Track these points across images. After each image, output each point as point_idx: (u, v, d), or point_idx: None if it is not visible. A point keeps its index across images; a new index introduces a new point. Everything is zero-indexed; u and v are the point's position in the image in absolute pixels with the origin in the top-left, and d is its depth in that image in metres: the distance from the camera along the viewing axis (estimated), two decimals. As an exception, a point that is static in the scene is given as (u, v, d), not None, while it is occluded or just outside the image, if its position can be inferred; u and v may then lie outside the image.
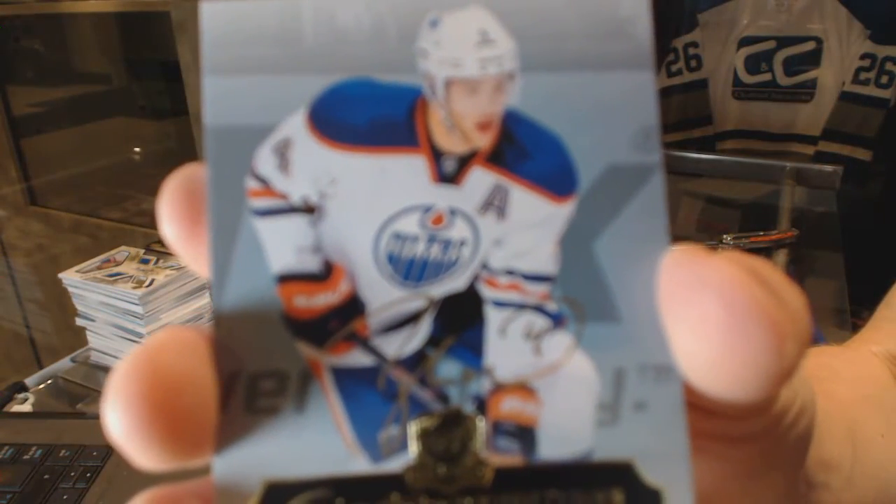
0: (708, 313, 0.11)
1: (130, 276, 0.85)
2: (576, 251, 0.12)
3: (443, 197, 0.12)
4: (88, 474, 0.63)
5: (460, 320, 0.12)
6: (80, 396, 0.86)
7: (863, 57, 1.36)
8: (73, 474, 0.63)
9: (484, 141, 0.12)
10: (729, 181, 1.31)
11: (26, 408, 0.81)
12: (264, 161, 0.12)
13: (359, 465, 0.12)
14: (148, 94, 1.77)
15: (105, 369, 0.88)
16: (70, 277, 0.86)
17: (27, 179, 1.83)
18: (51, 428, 0.70)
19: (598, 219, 0.12)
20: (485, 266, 0.12)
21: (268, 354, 0.12)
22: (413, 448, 0.12)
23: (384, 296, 0.12)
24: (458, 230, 0.12)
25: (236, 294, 0.12)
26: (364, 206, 0.12)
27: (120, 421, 0.11)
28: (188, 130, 1.49)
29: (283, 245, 0.12)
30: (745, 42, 1.45)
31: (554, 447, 0.12)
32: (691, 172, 1.35)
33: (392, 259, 0.12)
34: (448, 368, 0.12)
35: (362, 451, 0.12)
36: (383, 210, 0.12)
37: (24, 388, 0.84)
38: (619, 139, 0.12)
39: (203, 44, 0.12)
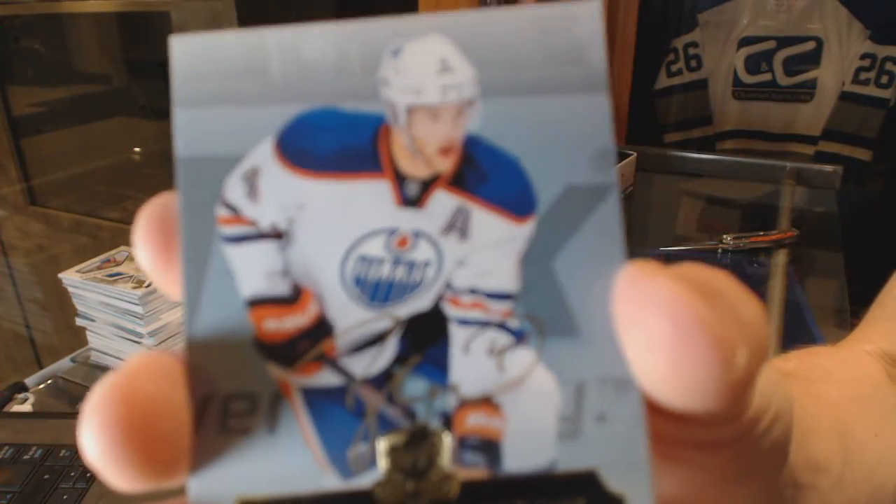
0: (655, 330, 0.11)
1: (130, 277, 0.85)
2: (536, 269, 0.13)
3: (407, 220, 0.13)
4: (88, 474, 0.63)
5: (426, 339, 0.13)
6: (80, 396, 0.86)
7: (863, 57, 1.36)
8: (73, 474, 0.63)
9: (446, 165, 0.13)
10: (729, 181, 1.31)
11: (26, 408, 0.81)
12: (233, 189, 0.13)
13: (329, 481, 0.12)
14: (148, 94, 1.77)
15: (105, 369, 0.88)
16: (70, 277, 0.86)
17: (27, 179, 1.83)
18: (51, 428, 0.70)
19: (556, 238, 0.13)
20: (448, 286, 0.13)
21: (240, 376, 0.12)
22: (382, 464, 0.12)
23: (352, 317, 0.13)
24: (422, 252, 0.13)
25: (208, 319, 0.12)
26: (331, 231, 0.13)
27: (95, 445, 0.11)
28: (188, 130, 1.49)
29: (252, 270, 0.13)
30: (745, 42, 1.45)
31: (518, 460, 0.12)
32: (691, 172, 1.35)
33: (359, 281, 0.13)
34: (414, 386, 0.13)
35: (333, 468, 0.12)
36: (349, 234, 0.13)
37: (24, 388, 0.84)
38: (576, 161, 0.13)
39: (173, 77, 0.13)
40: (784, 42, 1.42)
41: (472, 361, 0.13)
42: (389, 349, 0.13)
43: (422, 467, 0.12)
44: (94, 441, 0.11)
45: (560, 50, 0.13)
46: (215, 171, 0.13)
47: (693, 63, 1.51)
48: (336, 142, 0.13)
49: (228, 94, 0.13)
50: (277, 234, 0.13)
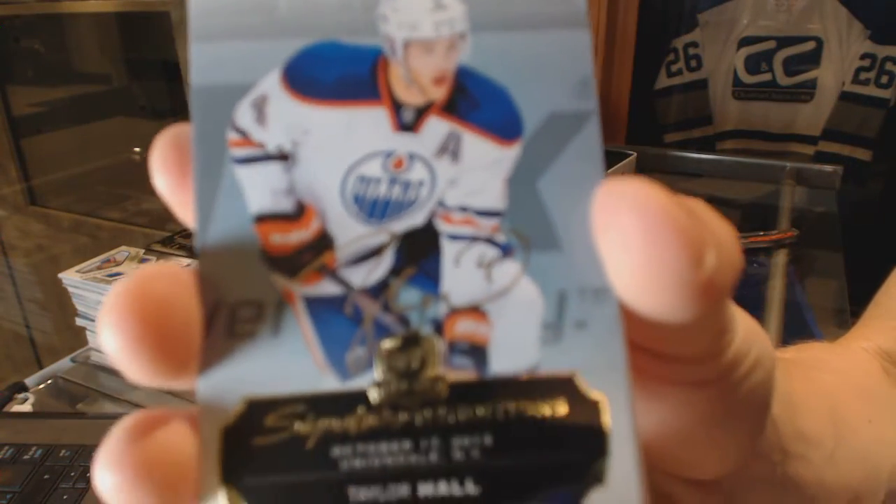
0: (627, 228, 0.12)
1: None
2: (522, 189, 0.14)
3: (402, 143, 0.14)
4: (89, 474, 0.63)
5: (419, 252, 0.14)
6: (80, 396, 0.85)
7: (863, 57, 1.36)
8: (73, 474, 0.63)
9: (439, 94, 0.14)
10: (729, 181, 1.31)
11: (26, 408, 0.81)
12: (243, 115, 0.14)
13: (329, 382, 0.13)
14: (148, 94, 1.77)
15: (105, 369, 0.88)
16: (70, 277, 0.86)
17: (27, 179, 1.83)
18: (51, 428, 0.70)
19: (541, 160, 0.14)
20: (441, 204, 0.14)
21: (246, 285, 0.13)
22: (377, 367, 0.13)
23: (351, 232, 0.14)
24: (417, 172, 0.14)
25: (218, 233, 0.13)
26: (332, 153, 0.14)
27: (114, 336, 0.12)
28: (188, 130, 1.49)
29: (260, 188, 0.14)
30: (745, 42, 1.45)
31: (503, 363, 0.13)
32: (691, 172, 1.35)
33: (357, 199, 0.14)
34: (408, 295, 0.14)
35: (332, 370, 0.13)
36: (349, 156, 0.14)
37: (24, 388, 0.84)
38: (559, 89, 0.14)
39: (190, 14, 0.14)
40: (784, 42, 1.42)
41: (461, 273, 0.14)
42: (385, 261, 0.14)
43: (414, 369, 0.13)
44: (113, 335, 0.12)
45: None
46: (227, 98, 0.14)
47: (693, 63, 1.51)
48: (338, 72, 0.14)
49: (239, 28, 0.14)
50: (283, 156, 0.14)
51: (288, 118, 0.14)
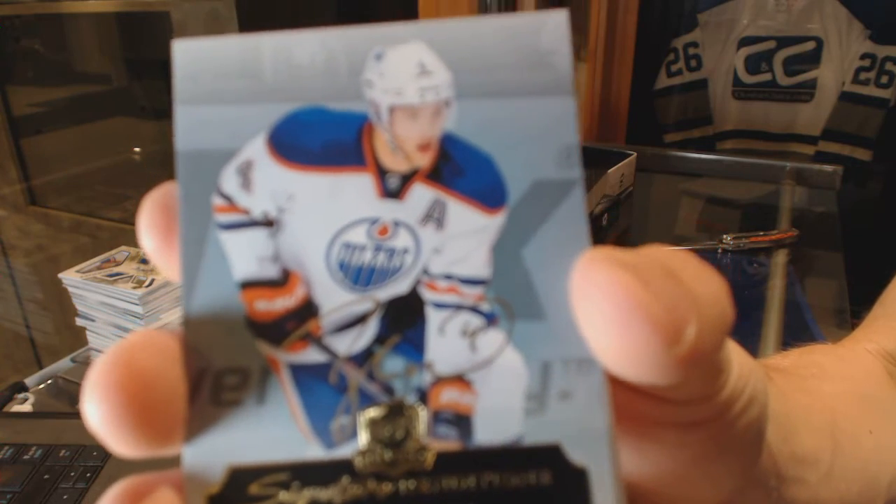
0: (599, 313, 0.13)
1: (130, 276, 0.85)
2: (506, 257, 0.14)
3: (387, 210, 0.14)
4: (88, 474, 0.63)
5: (404, 320, 0.14)
6: (80, 396, 0.85)
7: (863, 57, 1.36)
8: (73, 474, 0.63)
9: (424, 160, 0.14)
10: (729, 181, 1.31)
11: (26, 408, 0.81)
12: (228, 180, 0.14)
13: (313, 451, 0.13)
14: (148, 95, 1.77)
15: (105, 369, 0.88)
16: (70, 277, 0.86)
17: (27, 179, 1.83)
18: (51, 428, 0.70)
19: (525, 228, 0.14)
20: (426, 271, 0.14)
21: (231, 353, 0.13)
22: (362, 436, 0.13)
23: (336, 299, 0.14)
24: (402, 240, 0.14)
25: (203, 299, 0.14)
26: (317, 219, 0.14)
27: (97, 410, 0.12)
28: (188, 130, 1.48)
29: (245, 255, 0.14)
30: (744, 42, 1.45)
31: (488, 433, 0.13)
32: (691, 172, 1.35)
33: (343, 266, 0.14)
34: (393, 364, 0.14)
35: (316, 438, 0.13)
36: (335, 222, 0.14)
37: (24, 388, 0.84)
38: (544, 157, 0.14)
39: (175, 77, 0.14)
40: (784, 42, 1.42)
41: (446, 342, 0.14)
42: (370, 329, 0.14)
43: (399, 439, 0.13)
44: (97, 407, 0.12)
45: (529, 56, 0.14)
46: (212, 163, 0.14)
47: (693, 63, 1.51)
48: (323, 138, 0.14)
49: (225, 93, 0.14)
50: (268, 222, 0.14)
51: (273, 184, 0.14)
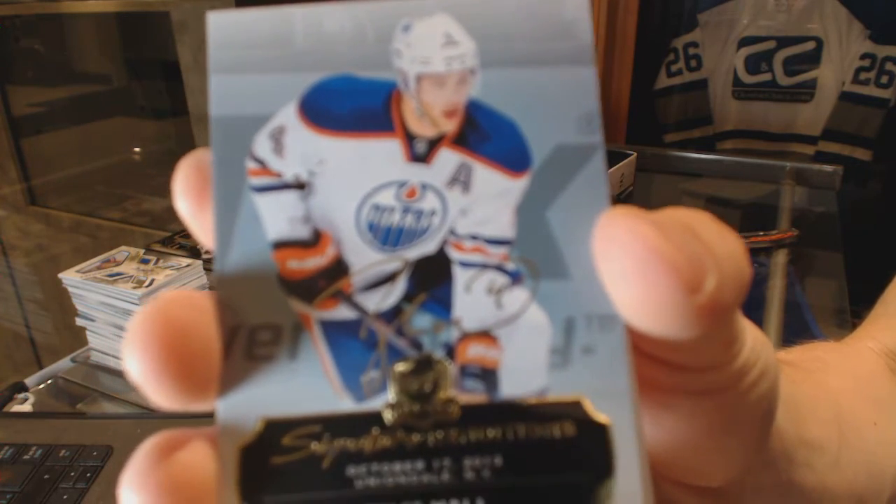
0: (619, 265, 0.13)
1: (130, 276, 0.85)
2: (530, 218, 0.14)
3: (415, 174, 0.15)
4: (88, 474, 0.63)
5: (431, 279, 0.14)
6: (80, 396, 0.85)
7: (863, 57, 1.36)
8: (73, 474, 0.63)
9: (450, 126, 0.15)
10: (729, 181, 1.31)
11: (26, 408, 0.81)
12: (261, 145, 0.14)
13: (344, 404, 0.14)
14: (148, 94, 1.77)
15: (105, 369, 0.88)
16: (70, 277, 0.86)
17: (27, 179, 1.83)
18: (51, 428, 0.70)
19: (548, 191, 0.14)
20: (452, 232, 0.15)
21: (264, 310, 0.14)
22: (391, 389, 0.14)
23: (365, 259, 0.14)
24: (429, 202, 0.15)
25: (237, 258, 0.14)
26: (347, 182, 0.14)
27: (137, 361, 0.12)
28: (188, 130, 1.49)
29: (277, 216, 0.14)
30: (744, 42, 1.45)
31: (513, 386, 0.14)
32: (691, 172, 1.35)
33: (372, 227, 0.14)
34: (421, 320, 0.14)
35: (347, 392, 0.14)
36: (364, 185, 0.14)
37: (24, 388, 0.84)
38: (566, 123, 0.14)
39: (209, 47, 0.15)
40: (784, 42, 1.42)
41: (472, 299, 0.14)
42: (399, 288, 0.14)
43: (427, 392, 0.14)
44: (137, 359, 0.12)
45: (552, 26, 0.15)
46: (245, 129, 0.14)
47: (693, 63, 1.51)
48: (353, 104, 0.15)
49: (257, 62, 0.15)
50: (300, 185, 0.14)
51: (304, 148, 0.14)
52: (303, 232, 0.14)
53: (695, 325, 0.13)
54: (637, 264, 0.13)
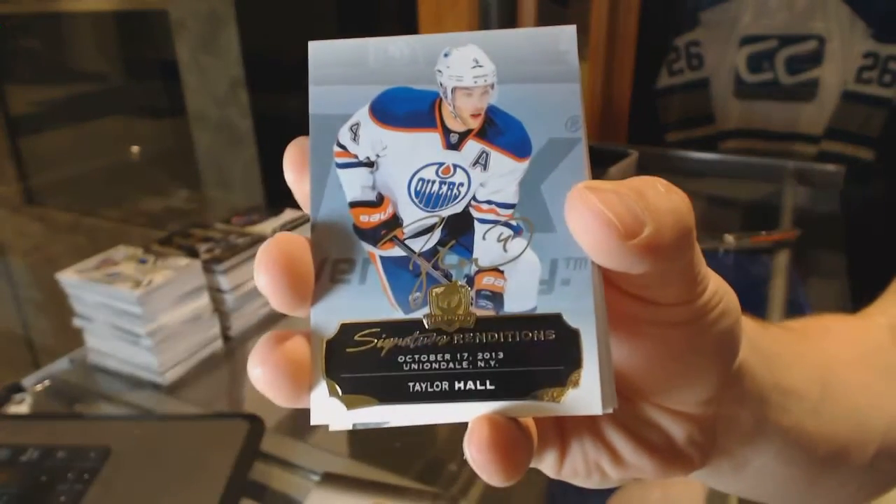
0: (580, 224, 0.18)
1: (128, 277, 0.84)
2: (529, 190, 0.20)
3: (449, 157, 0.21)
4: (86, 475, 0.63)
5: (458, 230, 0.20)
6: (77, 397, 0.85)
7: (865, 56, 1.35)
8: (70, 476, 0.63)
9: (475, 124, 0.21)
10: (731, 181, 1.31)
11: (23, 409, 0.80)
12: (344, 135, 0.21)
13: (396, 314, 0.20)
14: (146, 94, 1.77)
15: (103, 370, 0.87)
16: (67, 277, 0.85)
17: (24, 179, 1.82)
18: (48, 429, 0.70)
19: (543, 170, 0.20)
20: (474, 198, 0.20)
21: (343, 248, 0.20)
22: (429, 304, 0.20)
23: (413, 215, 0.20)
24: (459, 177, 0.21)
25: (325, 213, 0.20)
26: (402, 162, 0.21)
27: (263, 277, 0.18)
28: (186, 129, 1.48)
29: (354, 184, 0.20)
30: (746, 41, 1.45)
31: (514, 305, 0.20)
32: (693, 172, 1.34)
33: (418, 194, 0.21)
34: (451, 258, 0.20)
35: (399, 306, 0.20)
36: (414, 165, 0.21)
37: (21, 389, 0.84)
38: (557, 124, 0.20)
39: (310, 66, 0.21)
40: (786, 41, 1.41)
41: (486, 245, 0.20)
42: (436, 236, 0.20)
43: (454, 307, 0.20)
44: (263, 276, 0.18)
45: (550, 55, 0.21)
46: (333, 123, 0.21)
47: (694, 62, 1.50)
48: (408, 108, 0.21)
49: (342, 77, 0.21)
50: (370, 163, 0.21)
51: (373, 138, 0.21)
52: (371, 196, 0.20)
53: (640, 262, 0.18)
54: (587, 222, 0.18)
